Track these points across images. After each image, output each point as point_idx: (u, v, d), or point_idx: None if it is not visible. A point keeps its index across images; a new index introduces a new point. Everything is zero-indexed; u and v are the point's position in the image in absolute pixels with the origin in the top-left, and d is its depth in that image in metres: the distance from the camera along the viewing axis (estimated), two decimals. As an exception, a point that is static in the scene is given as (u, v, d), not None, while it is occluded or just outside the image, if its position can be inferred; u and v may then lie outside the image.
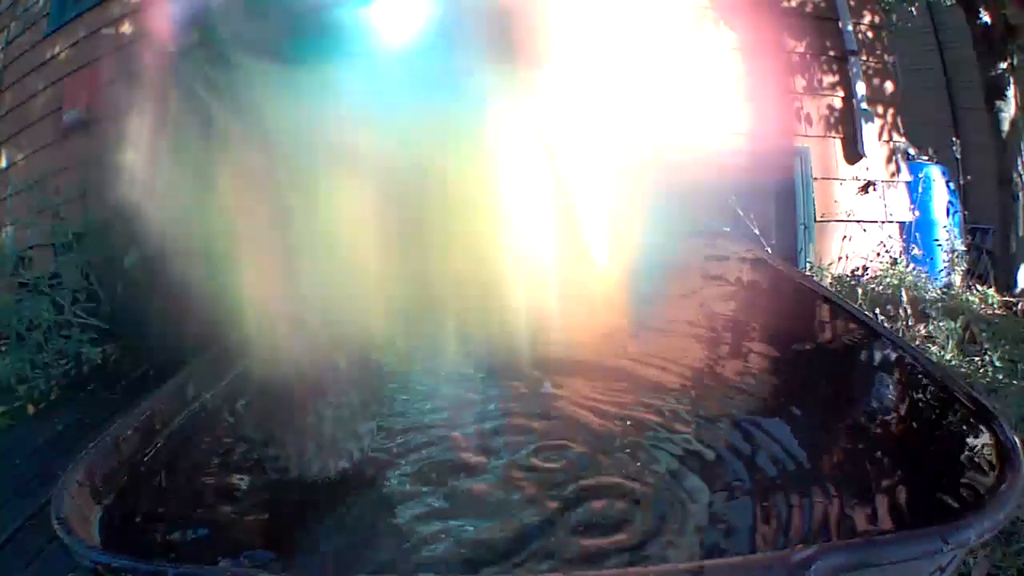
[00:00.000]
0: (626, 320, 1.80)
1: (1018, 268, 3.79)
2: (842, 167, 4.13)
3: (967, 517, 0.80)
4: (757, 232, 3.66)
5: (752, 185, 3.59)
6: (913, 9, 4.76)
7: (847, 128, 4.13)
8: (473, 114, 1.33)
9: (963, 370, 2.62)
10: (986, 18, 3.68)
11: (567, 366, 1.79)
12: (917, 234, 3.94)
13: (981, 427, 1.02)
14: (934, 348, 2.84)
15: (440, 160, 1.30)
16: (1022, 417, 2.09)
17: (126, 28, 4.24)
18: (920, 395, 1.24)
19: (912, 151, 4.26)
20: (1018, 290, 3.72)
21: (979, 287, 3.59)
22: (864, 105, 4.12)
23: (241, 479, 1.34)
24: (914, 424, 1.24)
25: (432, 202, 1.33)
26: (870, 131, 4.11)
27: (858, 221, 4.04)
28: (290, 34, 1.26)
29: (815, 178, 4.10)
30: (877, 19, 4.30)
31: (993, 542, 1.63)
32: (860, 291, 3.38)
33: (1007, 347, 2.77)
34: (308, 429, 1.36)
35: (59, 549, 0.88)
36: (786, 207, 4.10)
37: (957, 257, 3.81)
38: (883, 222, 4.05)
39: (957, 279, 3.70)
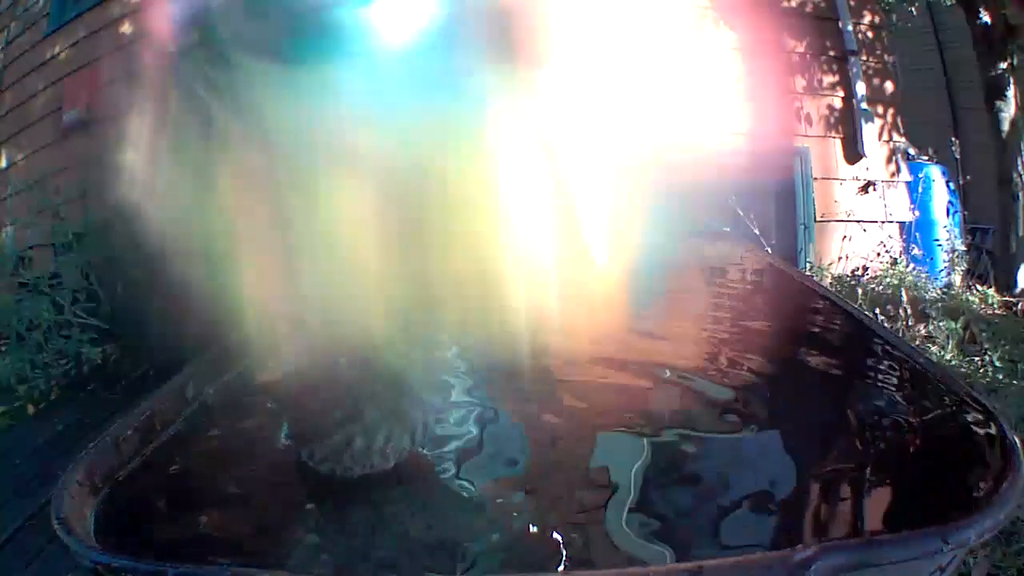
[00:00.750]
0: (626, 320, 1.80)
1: (1018, 268, 3.79)
2: (842, 167, 4.13)
3: (967, 517, 0.80)
4: (757, 232, 3.66)
5: (752, 185, 3.59)
6: (913, 9, 4.76)
7: (847, 128, 4.13)
8: (473, 114, 1.33)
9: (963, 370, 2.62)
10: (986, 18, 3.68)
11: (567, 366, 1.79)
12: (917, 234, 3.95)
13: (981, 427, 1.02)
14: (934, 348, 2.84)
15: (440, 160, 1.30)
16: (1022, 417, 2.09)
17: (126, 28, 4.24)
18: (920, 395, 1.24)
19: (912, 151, 4.26)
20: (1018, 290, 3.72)
21: (979, 287, 3.59)
22: (864, 105, 4.12)
23: (241, 479, 1.34)
24: (914, 424, 1.24)
25: (432, 202, 1.33)
26: (870, 131, 4.11)
27: (858, 221, 4.04)
28: (290, 34, 1.26)
29: (815, 178, 4.10)
30: (877, 19, 4.30)
31: (993, 542, 1.63)
32: (860, 291, 3.38)
33: (1007, 347, 2.77)
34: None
35: (59, 549, 0.88)
36: (786, 207, 4.10)
37: (957, 257, 3.81)
38: (883, 222, 4.05)
39: (957, 279, 3.70)
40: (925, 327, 3.01)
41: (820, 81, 4.16)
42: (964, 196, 4.26)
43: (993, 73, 3.74)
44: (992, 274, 4.01)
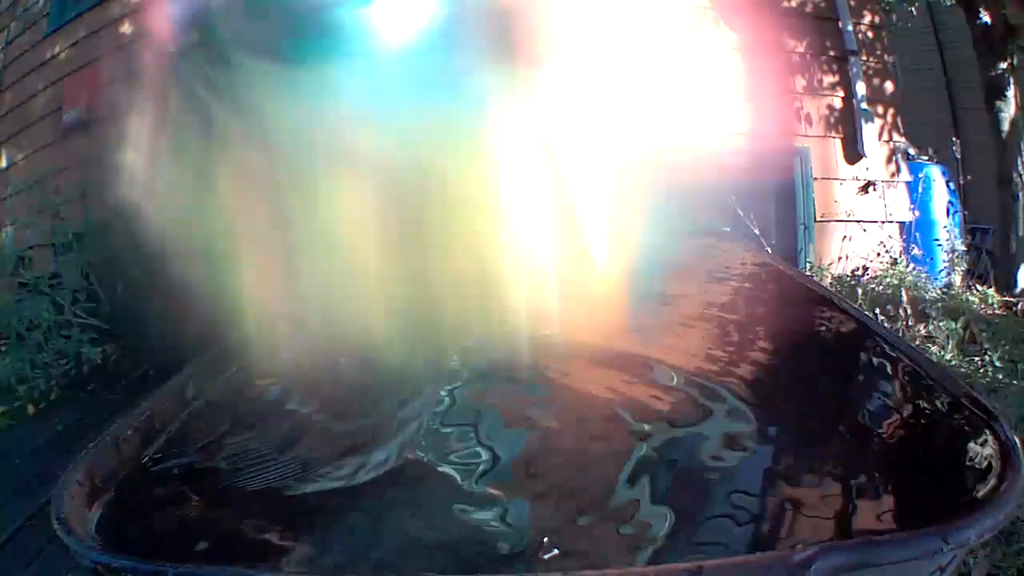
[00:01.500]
0: (625, 320, 1.80)
1: (1018, 268, 3.79)
2: (842, 167, 4.13)
3: (967, 517, 0.80)
4: (757, 232, 3.66)
5: (752, 185, 3.59)
6: (913, 9, 4.76)
7: (847, 128, 4.14)
8: (473, 114, 1.33)
9: (963, 370, 2.62)
10: (986, 18, 3.68)
11: (566, 366, 1.79)
12: (917, 234, 3.95)
13: (981, 427, 1.02)
14: (934, 348, 2.84)
15: (440, 160, 1.30)
16: (1022, 417, 2.09)
17: (126, 28, 4.24)
18: (920, 395, 1.24)
19: (912, 151, 4.26)
20: (1018, 290, 3.72)
21: (979, 287, 3.59)
22: (864, 105, 4.12)
23: (242, 479, 1.34)
24: (914, 424, 1.24)
25: (432, 202, 1.33)
26: (870, 131, 4.11)
27: (858, 221, 4.04)
28: (290, 34, 1.26)
29: (815, 178, 4.10)
30: (877, 19, 4.30)
31: (993, 542, 1.63)
32: (860, 291, 3.38)
33: (1007, 347, 2.77)
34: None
35: (59, 549, 0.88)
36: (786, 207, 4.10)
37: (957, 257, 3.81)
38: (883, 222, 4.05)
39: (957, 279, 3.70)
40: (925, 327, 3.01)
41: (820, 81, 4.16)
42: (964, 196, 4.26)
43: (993, 73, 3.74)
44: (992, 274, 4.01)
